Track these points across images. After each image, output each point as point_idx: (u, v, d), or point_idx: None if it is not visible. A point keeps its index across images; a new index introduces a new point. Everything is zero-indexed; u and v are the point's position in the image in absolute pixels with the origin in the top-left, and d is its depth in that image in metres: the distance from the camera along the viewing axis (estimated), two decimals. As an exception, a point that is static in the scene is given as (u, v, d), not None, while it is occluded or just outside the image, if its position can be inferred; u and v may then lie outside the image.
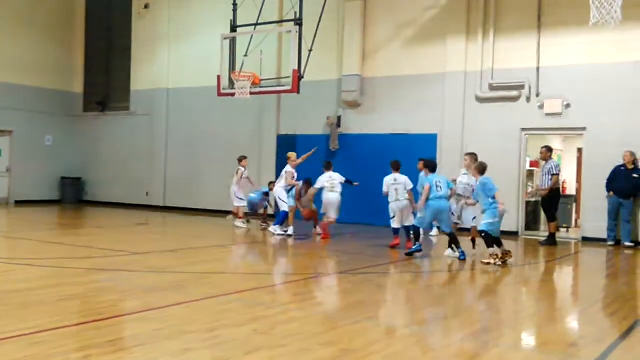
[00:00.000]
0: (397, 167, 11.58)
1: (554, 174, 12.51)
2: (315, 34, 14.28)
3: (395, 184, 11.43)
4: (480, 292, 7.61)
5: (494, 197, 9.83)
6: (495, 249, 9.73)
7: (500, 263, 9.59)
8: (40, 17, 20.74)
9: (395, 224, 11.44)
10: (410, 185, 11.43)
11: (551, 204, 12.74)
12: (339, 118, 16.72)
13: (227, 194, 15.30)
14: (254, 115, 18.03)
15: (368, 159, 16.26)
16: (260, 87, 14.79)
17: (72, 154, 21.48)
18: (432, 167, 10.75)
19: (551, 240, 12.65)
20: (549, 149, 12.96)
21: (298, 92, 14.07)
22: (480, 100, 14.88)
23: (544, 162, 12.93)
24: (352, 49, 16.36)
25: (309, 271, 9.30)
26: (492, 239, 9.73)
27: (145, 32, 20.43)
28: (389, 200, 11.44)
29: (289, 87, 14.16)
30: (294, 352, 4.55)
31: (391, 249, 11.31)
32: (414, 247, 10.43)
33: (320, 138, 16.90)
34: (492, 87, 14.74)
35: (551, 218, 12.83)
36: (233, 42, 15.51)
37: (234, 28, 15.41)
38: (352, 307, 6.26)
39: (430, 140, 15.46)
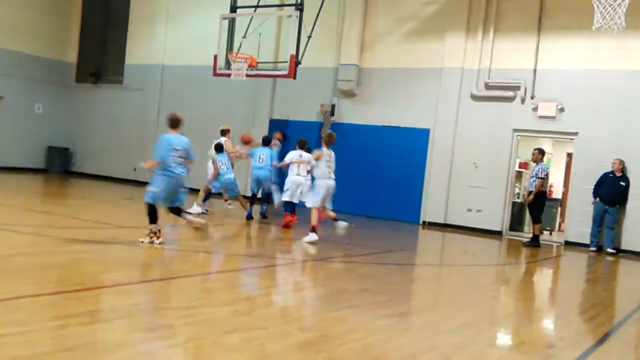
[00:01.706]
0: (302, 145, 12.00)
1: (539, 177, 12.53)
2: (316, 20, 14.19)
3: (299, 160, 11.68)
4: (462, 288, 7.64)
5: None
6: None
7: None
8: (37, -17, 20.44)
9: (286, 198, 11.62)
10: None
11: (537, 207, 12.80)
12: (333, 107, 16.66)
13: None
14: (248, 98, 17.93)
15: (360, 150, 16.25)
16: (257, 69, 14.71)
17: (61, 124, 21.26)
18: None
19: (535, 242, 12.73)
20: (541, 152, 12.99)
21: (294, 77, 14.01)
22: (476, 98, 14.88)
23: (534, 164, 12.97)
24: (351, 38, 16.28)
25: (291, 256, 9.30)
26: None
27: (143, 6, 20.22)
28: (289, 174, 11.67)
29: (285, 72, 14.08)
30: (274, 334, 4.54)
31: (285, 227, 11.49)
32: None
33: (313, 125, 16.85)
34: (488, 86, 14.75)
35: (536, 220, 12.90)
36: (232, 22, 15.39)
37: (233, 8, 15.29)
38: (333, 295, 6.27)
39: (422, 135, 15.47)
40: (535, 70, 14.23)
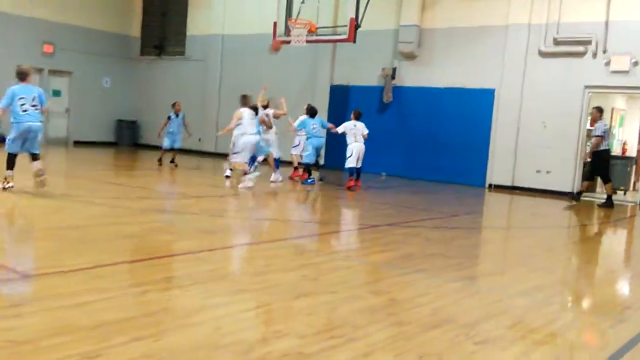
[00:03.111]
0: (357, 116, 12.74)
1: (596, 135, 12.19)
2: (375, -19, 13.93)
3: (354, 129, 12.49)
4: (533, 251, 7.49)
5: None
6: None
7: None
8: (100, -41, 20.89)
9: (351, 164, 12.34)
10: (366, 131, 12.59)
11: (598, 166, 12.39)
12: (394, 70, 16.43)
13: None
14: (307, 64, 17.89)
15: (422, 113, 16.02)
16: (316, 35, 14.63)
17: (128, 97, 21.89)
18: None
19: (609, 202, 12.29)
20: (599, 110, 12.53)
21: (354, 41, 13.86)
22: (544, 55, 14.34)
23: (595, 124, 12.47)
24: (411, -2, 15.91)
25: (357, 222, 9.33)
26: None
27: (202, -23, 20.35)
28: (348, 142, 12.47)
29: (345, 36, 13.96)
30: (344, 298, 4.59)
31: (348, 190, 12.14)
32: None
33: (375, 89, 16.69)
34: (556, 42, 14.16)
35: (605, 180, 12.46)
36: (290, -12, 15.31)
37: (291, -26, 15.19)
38: (401, 259, 6.27)
39: (487, 95, 15.08)
40: (607, 23, 13.55)
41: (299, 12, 14.98)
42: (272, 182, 12.40)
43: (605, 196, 12.73)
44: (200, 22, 20.51)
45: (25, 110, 8.51)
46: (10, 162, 8.70)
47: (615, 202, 12.56)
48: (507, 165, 14.81)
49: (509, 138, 14.75)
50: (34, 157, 8.75)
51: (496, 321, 4.30)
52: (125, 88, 21.77)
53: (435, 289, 5.09)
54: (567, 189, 14.07)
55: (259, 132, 11.44)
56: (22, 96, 8.51)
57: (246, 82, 19.17)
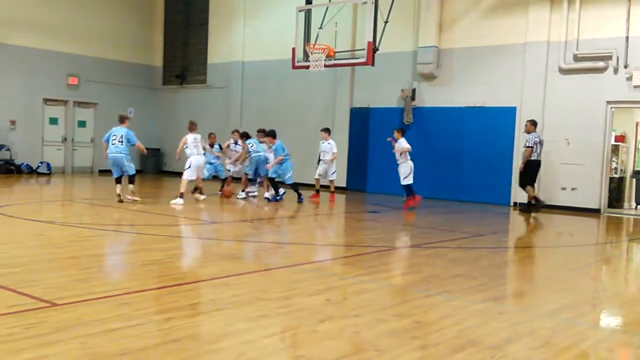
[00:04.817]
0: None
1: (527, 146, 13.24)
2: (392, 5, 14.06)
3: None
4: (558, 270, 7.38)
5: None
6: None
7: None
8: (122, -7, 21.44)
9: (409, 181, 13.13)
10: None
11: (527, 173, 13.38)
12: (414, 91, 16.47)
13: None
14: (327, 88, 18.04)
15: (443, 133, 16.01)
16: (335, 59, 14.76)
17: (152, 126, 22.24)
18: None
19: (530, 207, 13.35)
20: (533, 123, 13.48)
21: (373, 64, 13.95)
22: (564, 71, 14.28)
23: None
24: (428, 19, 16.00)
25: (380, 243, 9.31)
26: None
27: (221, 6, 20.74)
28: (404, 160, 13.18)
29: (363, 60, 14.05)
30: (368, 322, 4.58)
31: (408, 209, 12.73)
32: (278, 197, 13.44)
33: (394, 111, 16.74)
34: (576, 58, 14.10)
35: (530, 185, 13.47)
36: (308, 14, 15.50)
37: (309, 0, 15.38)
38: (425, 281, 6.23)
39: (508, 114, 15.02)
40: (627, 38, 13.47)
41: (317, 37, 15.14)
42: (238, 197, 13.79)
43: (633, 211, 12.58)
44: (220, 50, 20.85)
45: (113, 144, 11.95)
46: (117, 182, 12.19)
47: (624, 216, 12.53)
48: (531, 183, 14.65)
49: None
50: (129, 179, 12.11)
51: (523, 343, 4.25)
52: (149, 117, 22.13)
53: (460, 310, 5.05)
54: (594, 206, 13.88)
55: (204, 154, 13.32)
56: (114, 134, 12.05)
57: (267, 106, 19.41)
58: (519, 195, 14.89)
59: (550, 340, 4.33)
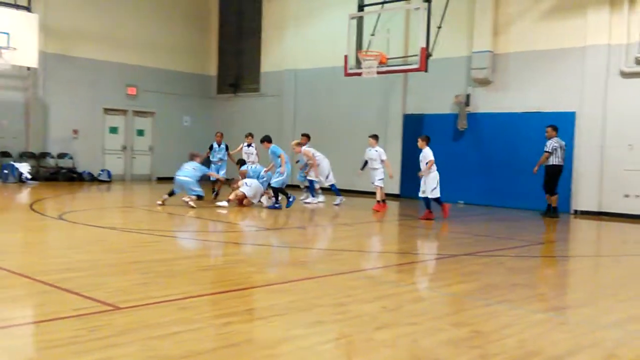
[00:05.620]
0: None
1: (545, 151, 13.12)
2: (445, 9, 13.97)
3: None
4: (623, 279, 7.12)
5: None
6: None
7: None
8: (179, 4, 22.02)
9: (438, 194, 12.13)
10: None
11: (547, 180, 13.21)
12: (468, 96, 16.25)
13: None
14: (380, 95, 17.99)
15: (498, 139, 15.72)
16: (387, 66, 14.75)
17: (207, 134, 22.59)
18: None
19: (552, 213, 13.23)
20: (554, 128, 13.22)
21: (426, 70, 13.86)
22: (625, 75, 13.83)
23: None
24: (483, 24, 15.77)
25: (435, 252, 9.20)
26: None
27: (274, 15, 21.00)
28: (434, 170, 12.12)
29: (416, 66, 13.98)
30: (425, 330, 4.53)
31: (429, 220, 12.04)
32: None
33: (448, 117, 16.56)
34: (638, 61, 13.62)
35: (551, 192, 13.25)
36: (360, 21, 15.54)
37: (361, 7, 15.44)
38: (483, 290, 6.12)
39: (567, 119, 14.63)
40: (692, 39, 12.93)
41: (369, 44, 15.15)
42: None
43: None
44: (273, 59, 21.09)
45: (182, 172, 12.85)
46: (170, 195, 12.92)
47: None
48: (593, 190, 14.24)
49: (593, 161, 14.21)
50: (198, 197, 12.71)
51: (586, 354, 4.12)
52: (204, 126, 22.57)
53: (520, 320, 4.94)
54: (657, 214, 13.35)
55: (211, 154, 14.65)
56: (186, 167, 12.93)
57: (320, 114, 19.50)
58: (579, 202, 14.48)
59: (615, 352, 4.18)
